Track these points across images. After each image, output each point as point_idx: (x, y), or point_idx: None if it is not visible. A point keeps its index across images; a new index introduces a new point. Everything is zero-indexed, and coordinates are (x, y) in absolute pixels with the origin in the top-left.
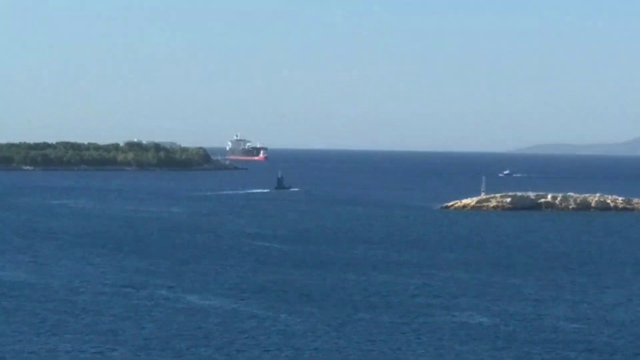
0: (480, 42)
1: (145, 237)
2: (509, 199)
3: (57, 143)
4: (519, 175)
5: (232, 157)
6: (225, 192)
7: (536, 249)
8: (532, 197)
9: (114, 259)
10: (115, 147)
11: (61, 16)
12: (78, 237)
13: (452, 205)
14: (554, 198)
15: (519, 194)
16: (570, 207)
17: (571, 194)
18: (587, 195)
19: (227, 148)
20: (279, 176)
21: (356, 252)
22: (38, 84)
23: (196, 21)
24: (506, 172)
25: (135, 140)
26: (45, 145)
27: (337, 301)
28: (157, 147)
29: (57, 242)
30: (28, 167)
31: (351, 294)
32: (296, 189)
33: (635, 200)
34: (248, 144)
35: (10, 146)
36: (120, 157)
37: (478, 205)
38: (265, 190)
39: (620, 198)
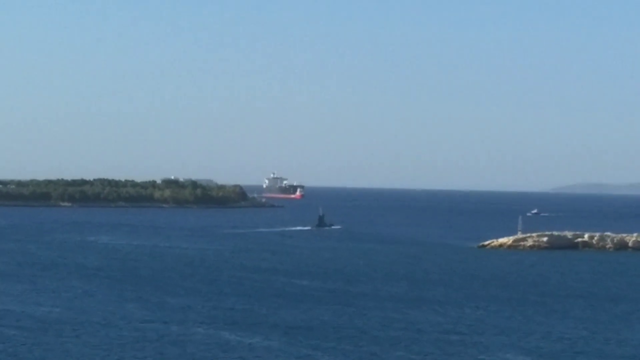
0: (519, 82)
1: (178, 273)
2: (545, 239)
3: (94, 180)
4: (546, 214)
5: (269, 194)
6: (261, 230)
7: (570, 289)
8: (569, 237)
9: (145, 294)
10: (153, 184)
11: (97, 54)
12: (111, 273)
13: (488, 244)
14: (591, 238)
15: (555, 233)
16: (608, 247)
17: (608, 233)
18: (624, 235)
19: (264, 186)
20: (320, 214)
21: (392, 289)
22: (76, 121)
23: (232, 59)
24: (534, 211)
25: (173, 177)
26: (83, 182)
27: (372, 338)
28: (194, 184)
29: (90, 279)
30: (66, 204)
31: (386, 331)
32: (337, 227)
33: None
34: (285, 181)
35: (48, 183)
36: (158, 194)
37: (514, 244)
38: (306, 228)
39: None
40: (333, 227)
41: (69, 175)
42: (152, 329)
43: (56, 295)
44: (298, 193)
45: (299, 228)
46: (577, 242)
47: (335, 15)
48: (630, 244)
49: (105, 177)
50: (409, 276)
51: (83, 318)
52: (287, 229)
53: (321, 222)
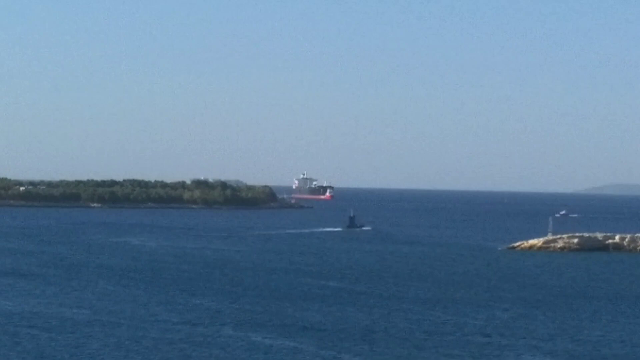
0: (552, 83)
1: (205, 275)
2: (576, 240)
3: (124, 180)
4: (575, 215)
5: (298, 195)
6: (290, 231)
7: (600, 291)
8: (600, 238)
9: (173, 296)
10: (182, 185)
11: (125, 55)
12: (139, 274)
13: (518, 245)
14: (622, 239)
15: (586, 234)
16: (639, 248)
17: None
18: None
19: (294, 186)
20: (351, 215)
21: (421, 291)
22: (105, 121)
23: (263, 60)
24: (562, 212)
25: (202, 178)
26: (113, 183)
27: (399, 340)
28: (224, 185)
29: (118, 280)
30: (95, 205)
31: (414, 333)
32: (368, 228)
33: None
34: (314, 182)
35: (78, 183)
36: (187, 195)
37: (545, 245)
38: (336, 229)
39: None
40: (363, 228)
41: (98, 176)
42: (179, 330)
43: (84, 296)
44: (328, 194)
45: (329, 229)
46: (608, 244)
47: (372, 14)
48: None
49: (135, 178)
50: (438, 278)
51: (111, 319)
52: (317, 230)
53: (352, 223)
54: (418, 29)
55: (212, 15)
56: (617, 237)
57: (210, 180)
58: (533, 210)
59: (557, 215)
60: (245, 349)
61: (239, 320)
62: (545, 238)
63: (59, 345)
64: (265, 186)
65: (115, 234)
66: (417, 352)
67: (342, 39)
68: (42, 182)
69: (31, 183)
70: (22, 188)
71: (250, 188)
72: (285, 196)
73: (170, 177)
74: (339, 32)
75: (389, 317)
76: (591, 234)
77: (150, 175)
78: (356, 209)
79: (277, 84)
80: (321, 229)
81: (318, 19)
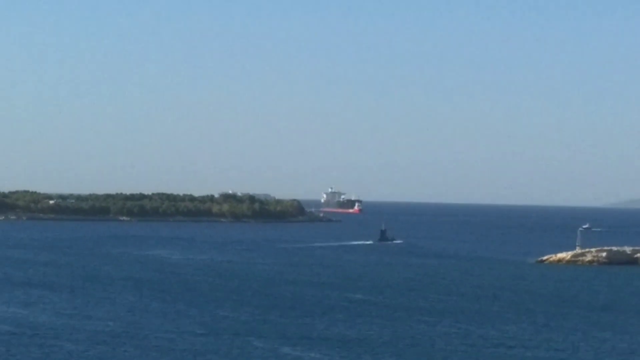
0: (581, 98)
1: (232, 287)
2: (604, 254)
3: (153, 194)
4: (598, 229)
5: (327, 209)
6: (319, 244)
7: (628, 305)
8: (628, 252)
9: (200, 308)
10: (211, 198)
11: (155, 71)
12: (166, 286)
13: (547, 259)
14: None
15: (614, 248)
16: None
17: None
18: None
19: (322, 200)
20: (383, 228)
21: (449, 304)
22: (135, 135)
23: (290, 74)
24: (585, 226)
25: (230, 191)
26: (142, 196)
27: (426, 351)
28: (252, 198)
29: (145, 292)
30: (124, 218)
31: (441, 345)
32: (399, 241)
33: None
34: (343, 196)
35: (107, 197)
36: (215, 208)
37: (573, 259)
38: (368, 242)
39: None
40: (395, 241)
41: (127, 190)
42: (206, 342)
43: (111, 308)
44: (356, 207)
45: (360, 242)
46: (637, 258)
47: (411, 33)
48: None
49: (164, 192)
50: (467, 291)
51: (137, 331)
52: (348, 243)
53: (383, 237)
54: (455, 46)
55: (244, 34)
56: None
57: (239, 193)
58: (562, 224)
59: (580, 229)
60: None
61: (267, 332)
62: (574, 252)
63: (87, 358)
64: (294, 200)
65: (144, 247)
66: None
67: (373, 54)
68: (71, 196)
69: (60, 196)
70: (51, 201)
71: (278, 202)
72: (313, 210)
73: (199, 190)
74: (370, 48)
75: (415, 329)
76: (620, 248)
77: (179, 189)
78: (387, 222)
79: (307, 98)
80: (353, 242)
81: (351, 36)
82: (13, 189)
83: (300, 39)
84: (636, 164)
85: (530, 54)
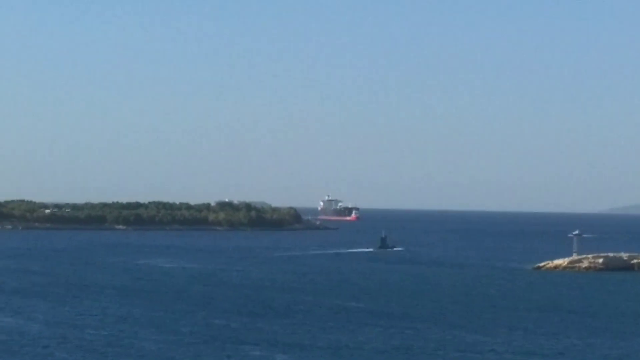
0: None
1: (228, 296)
2: (601, 260)
3: (149, 203)
4: (589, 235)
5: (324, 217)
6: (316, 252)
7: (625, 311)
8: (625, 258)
9: (196, 316)
10: (207, 206)
11: (150, 76)
12: (162, 295)
13: (543, 265)
14: None
15: (611, 254)
16: None
17: None
18: None
19: (319, 208)
20: (383, 236)
21: (447, 312)
22: (131, 143)
23: (286, 82)
24: (575, 232)
25: (227, 200)
26: (138, 205)
27: (414, 358)
28: (248, 207)
29: (140, 301)
30: (120, 227)
31: (438, 352)
32: (399, 249)
33: None
34: (340, 204)
35: (103, 206)
36: (212, 216)
37: (570, 265)
38: (368, 250)
39: None
40: (395, 248)
41: (123, 199)
42: (203, 350)
43: (103, 317)
44: (353, 215)
45: (361, 250)
46: (633, 264)
47: (410, 37)
48: None
49: (160, 200)
50: (464, 299)
51: (129, 340)
52: (347, 250)
53: (383, 244)
54: (455, 50)
55: (240, 38)
56: None
57: (235, 202)
58: (560, 230)
59: (570, 235)
60: None
61: (260, 339)
62: (571, 258)
63: None
64: (290, 208)
65: (138, 255)
66: None
67: (370, 62)
68: (67, 205)
69: (56, 206)
70: (47, 211)
71: (275, 210)
72: (310, 218)
73: (195, 199)
74: (368, 57)
75: (411, 337)
76: (616, 254)
77: (175, 197)
78: (387, 229)
79: (303, 105)
80: (352, 250)
81: (349, 46)
82: (9, 199)
83: (298, 47)
84: (632, 171)
85: (528, 61)
